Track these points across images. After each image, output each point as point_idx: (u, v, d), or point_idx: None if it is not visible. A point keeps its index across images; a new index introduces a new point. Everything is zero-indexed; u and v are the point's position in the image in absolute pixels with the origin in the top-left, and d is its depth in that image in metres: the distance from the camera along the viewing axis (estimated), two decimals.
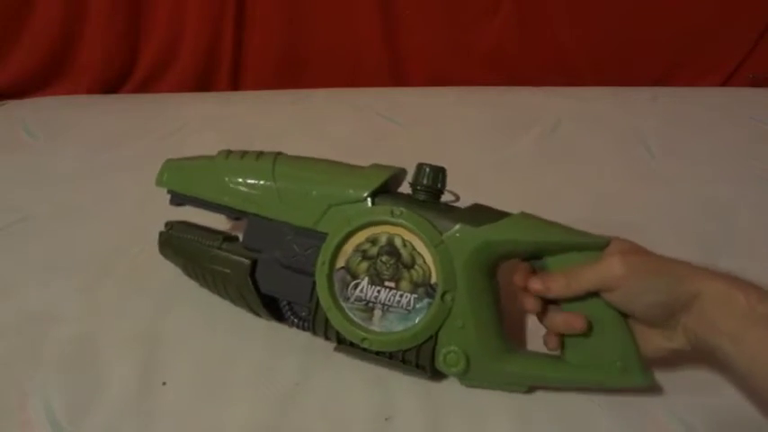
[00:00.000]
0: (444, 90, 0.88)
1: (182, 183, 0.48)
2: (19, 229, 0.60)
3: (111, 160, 0.71)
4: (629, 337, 0.40)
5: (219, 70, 0.89)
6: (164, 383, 0.45)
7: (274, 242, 0.45)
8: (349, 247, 0.42)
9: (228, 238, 0.48)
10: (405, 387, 0.44)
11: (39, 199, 0.64)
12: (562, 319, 0.40)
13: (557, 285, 0.40)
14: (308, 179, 0.45)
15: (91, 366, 0.46)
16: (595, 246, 0.40)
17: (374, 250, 0.42)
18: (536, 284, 0.41)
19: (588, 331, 0.40)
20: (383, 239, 0.42)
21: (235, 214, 0.47)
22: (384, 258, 0.42)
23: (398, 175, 0.46)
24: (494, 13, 0.86)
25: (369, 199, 0.43)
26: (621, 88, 0.87)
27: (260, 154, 0.47)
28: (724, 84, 0.91)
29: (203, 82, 0.90)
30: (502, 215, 0.41)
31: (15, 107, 0.84)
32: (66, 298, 0.52)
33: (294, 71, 0.90)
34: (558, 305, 0.42)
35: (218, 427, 0.42)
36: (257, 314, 0.48)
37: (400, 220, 0.41)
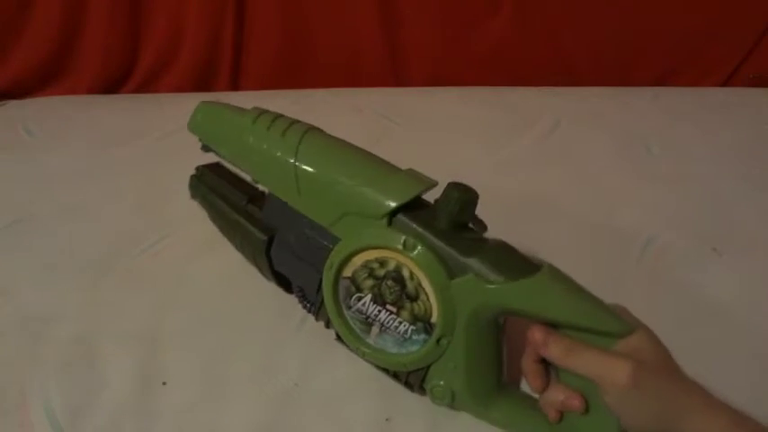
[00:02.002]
0: (444, 90, 0.88)
1: (209, 134, 0.47)
2: (19, 229, 0.60)
3: (111, 160, 0.71)
4: (616, 426, 0.36)
5: (219, 70, 0.89)
6: (164, 383, 0.45)
7: (290, 226, 0.44)
8: (358, 261, 0.40)
9: (254, 197, 0.46)
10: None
11: (39, 199, 0.64)
12: (563, 396, 0.37)
13: (555, 349, 0.36)
14: (330, 171, 0.41)
15: (91, 366, 0.46)
16: (616, 334, 0.35)
17: (381, 272, 0.40)
18: (538, 334, 0.37)
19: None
20: (392, 265, 0.39)
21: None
22: (389, 283, 0.40)
23: (426, 190, 0.41)
24: (494, 13, 0.85)
25: (386, 218, 0.39)
26: (621, 88, 0.87)
27: (290, 126, 0.43)
28: (724, 84, 0.91)
29: (203, 82, 0.90)
30: (526, 267, 0.37)
31: (15, 107, 0.84)
32: (66, 298, 0.52)
33: (294, 71, 0.90)
34: (557, 377, 0.39)
35: (218, 427, 0.42)
36: (268, 278, 0.49)
37: (411, 254, 0.38)
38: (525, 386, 0.42)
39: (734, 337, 0.41)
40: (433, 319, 0.39)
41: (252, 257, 0.46)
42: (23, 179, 0.68)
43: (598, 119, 0.78)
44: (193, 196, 0.50)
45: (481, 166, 0.69)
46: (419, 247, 0.38)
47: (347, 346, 0.44)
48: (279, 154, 0.42)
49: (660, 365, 0.35)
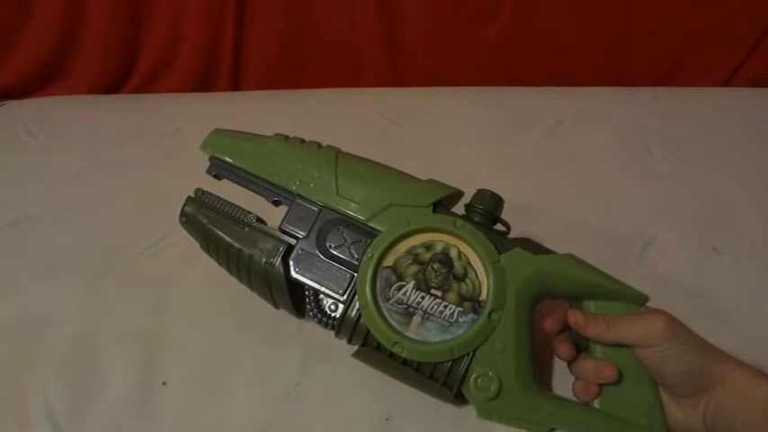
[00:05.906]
0: (444, 90, 0.88)
1: (231, 152, 0.46)
2: (19, 229, 0.60)
3: (111, 160, 0.71)
4: (655, 396, 0.39)
5: (219, 70, 0.89)
6: (164, 383, 0.45)
7: (320, 229, 0.44)
8: (402, 248, 0.42)
9: (259, 218, 0.46)
10: (405, 387, 0.44)
11: (39, 199, 0.64)
12: (593, 366, 0.40)
13: (596, 327, 0.39)
14: (370, 177, 0.45)
15: (91, 366, 0.46)
16: (636, 299, 0.40)
17: (427, 256, 0.41)
18: (577, 317, 0.40)
19: (618, 381, 0.39)
20: (439, 247, 0.41)
21: (278, 197, 0.45)
22: (436, 266, 0.41)
23: (455, 195, 0.45)
24: (494, 13, 0.85)
25: (431, 207, 0.43)
26: (621, 88, 0.87)
27: (320, 145, 0.47)
28: (724, 84, 0.91)
29: (203, 82, 0.90)
30: (551, 252, 0.42)
31: (15, 107, 0.84)
32: (66, 298, 0.52)
33: (294, 71, 0.90)
34: (588, 353, 0.41)
35: (217, 427, 0.42)
36: (275, 304, 0.46)
37: (461, 232, 0.41)
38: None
39: (734, 337, 0.41)
40: (482, 297, 0.40)
41: (261, 274, 0.44)
42: (23, 179, 0.68)
43: (598, 119, 0.78)
44: (185, 219, 0.47)
45: (481, 166, 0.69)
46: (469, 225, 0.41)
47: (371, 354, 0.42)
48: (318, 159, 0.45)
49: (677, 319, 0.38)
